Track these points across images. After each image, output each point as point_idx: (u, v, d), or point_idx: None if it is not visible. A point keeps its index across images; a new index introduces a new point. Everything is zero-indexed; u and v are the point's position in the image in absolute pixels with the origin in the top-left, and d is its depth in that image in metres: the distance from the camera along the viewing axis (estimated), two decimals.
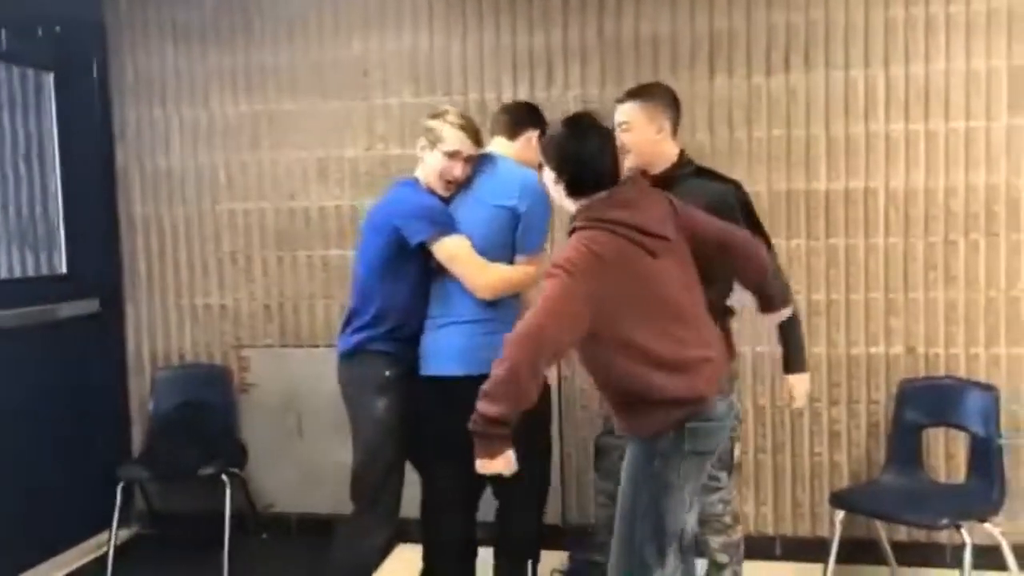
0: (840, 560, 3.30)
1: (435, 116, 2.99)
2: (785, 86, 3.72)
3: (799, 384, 3.04)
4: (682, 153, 2.93)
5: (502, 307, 2.86)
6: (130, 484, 4.01)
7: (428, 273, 2.94)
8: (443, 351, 2.88)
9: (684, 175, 2.88)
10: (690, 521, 2.50)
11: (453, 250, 2.86)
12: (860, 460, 3.75)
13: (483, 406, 2.24)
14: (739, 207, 2.85)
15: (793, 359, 3.03)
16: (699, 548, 2.74)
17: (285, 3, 4.13)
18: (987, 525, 3.17)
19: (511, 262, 2.91)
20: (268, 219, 4.24)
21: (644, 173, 2.86)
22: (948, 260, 3.64)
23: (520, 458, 2.36)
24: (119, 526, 3.86)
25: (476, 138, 2.97)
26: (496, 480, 2.52)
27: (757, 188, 3.71)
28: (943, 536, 3.55)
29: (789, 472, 3.81)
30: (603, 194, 2.40)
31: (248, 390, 4.23)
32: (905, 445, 3.50)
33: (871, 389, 3.73)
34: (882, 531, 3.51)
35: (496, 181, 2.94)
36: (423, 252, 2.89)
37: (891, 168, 3.66)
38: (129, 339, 4.39)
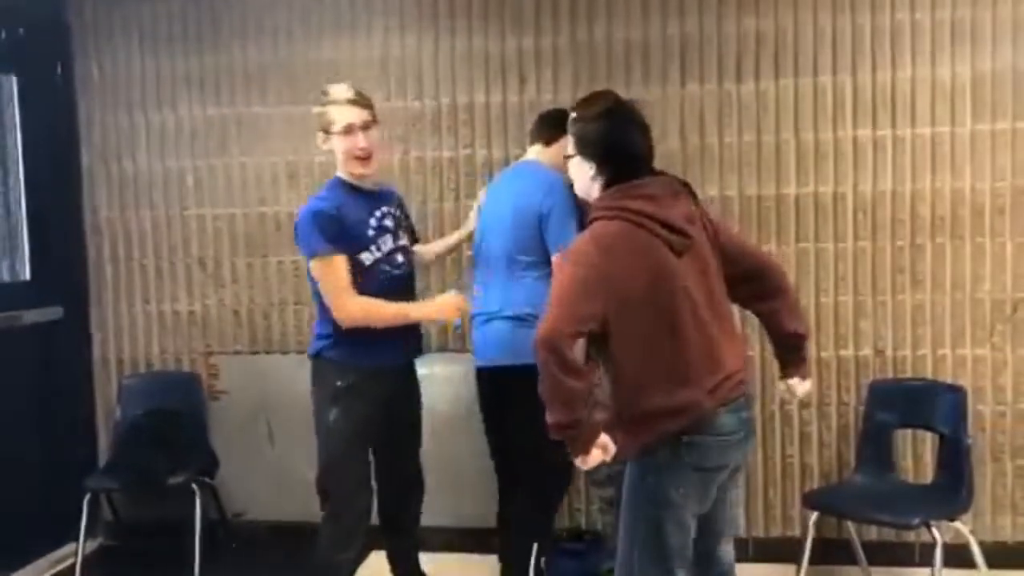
0: (813, 561, 3.34)
1: (318, 105, 2.96)
2: (755, 92, 3.76)
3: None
4: None
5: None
6: (97, 494, 3.95)
7: (393, 279, 2.93)
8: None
9: None
10: (726, 550, 2.44)
11: (318, 272, 2.86)
12: (831, 461, 3.80)
13: (547, 416, 2.23)
14: None
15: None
16: None
17: (254, 5, 4.09)
18: (956, 524, 3.23)
19: (542, 264, 2.95)
20: (237, 224, 4.19)
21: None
22: (915, 263, 3.70)
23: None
24: (86, 537, 3.78)
25: (365, 102, 2.92)
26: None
27: (728, 193, 3.77)
28: (912, 535, 3.60)
29: (761, 474, 3.84)
30: (626, 185, 2.31)
31: (218, 397, 4.17)
32: (875, 446, 3.55)
33: (841, 391, 3.77)
34: (854, 531, 3.56)
35: (521, 184, 3.04)
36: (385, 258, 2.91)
37: (859, 173, 3.71)
38: (95, 346, 4.31)
